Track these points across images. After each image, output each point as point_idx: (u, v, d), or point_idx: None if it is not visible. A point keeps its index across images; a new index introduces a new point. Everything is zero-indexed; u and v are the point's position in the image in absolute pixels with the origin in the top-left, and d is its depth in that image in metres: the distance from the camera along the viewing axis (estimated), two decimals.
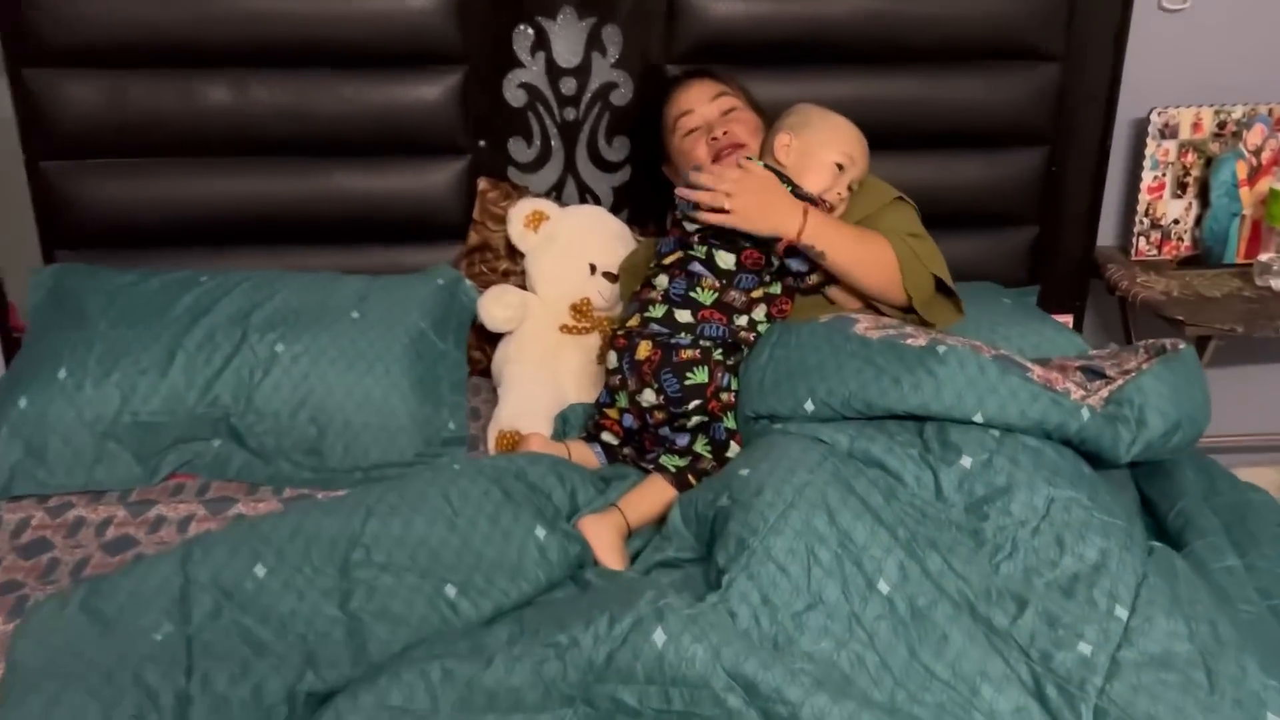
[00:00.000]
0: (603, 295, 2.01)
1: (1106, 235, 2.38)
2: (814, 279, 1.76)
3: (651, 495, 1.59)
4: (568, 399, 1.91)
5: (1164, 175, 2.26)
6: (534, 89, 2.10)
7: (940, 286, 1.80)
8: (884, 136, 1.87)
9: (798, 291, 1.78)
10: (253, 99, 2.02)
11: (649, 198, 2.14)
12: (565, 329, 1.99)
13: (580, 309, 2.00)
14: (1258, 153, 2.22)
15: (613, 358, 1.70)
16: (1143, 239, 2.31)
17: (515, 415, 1.84)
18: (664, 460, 1.63)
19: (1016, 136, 2.20)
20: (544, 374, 1.93)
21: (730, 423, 1.65)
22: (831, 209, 1.79)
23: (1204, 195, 2.27)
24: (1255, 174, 2.22)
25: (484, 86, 2.09)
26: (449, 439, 1.84)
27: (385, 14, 2.00)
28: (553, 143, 2.15)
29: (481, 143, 2.13)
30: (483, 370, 2.06)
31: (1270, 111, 2.22)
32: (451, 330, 1.98)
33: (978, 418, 1.50)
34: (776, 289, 1.75)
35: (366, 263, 2.11)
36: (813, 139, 1.81)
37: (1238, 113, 2.22)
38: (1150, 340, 1.71)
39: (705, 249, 1.71)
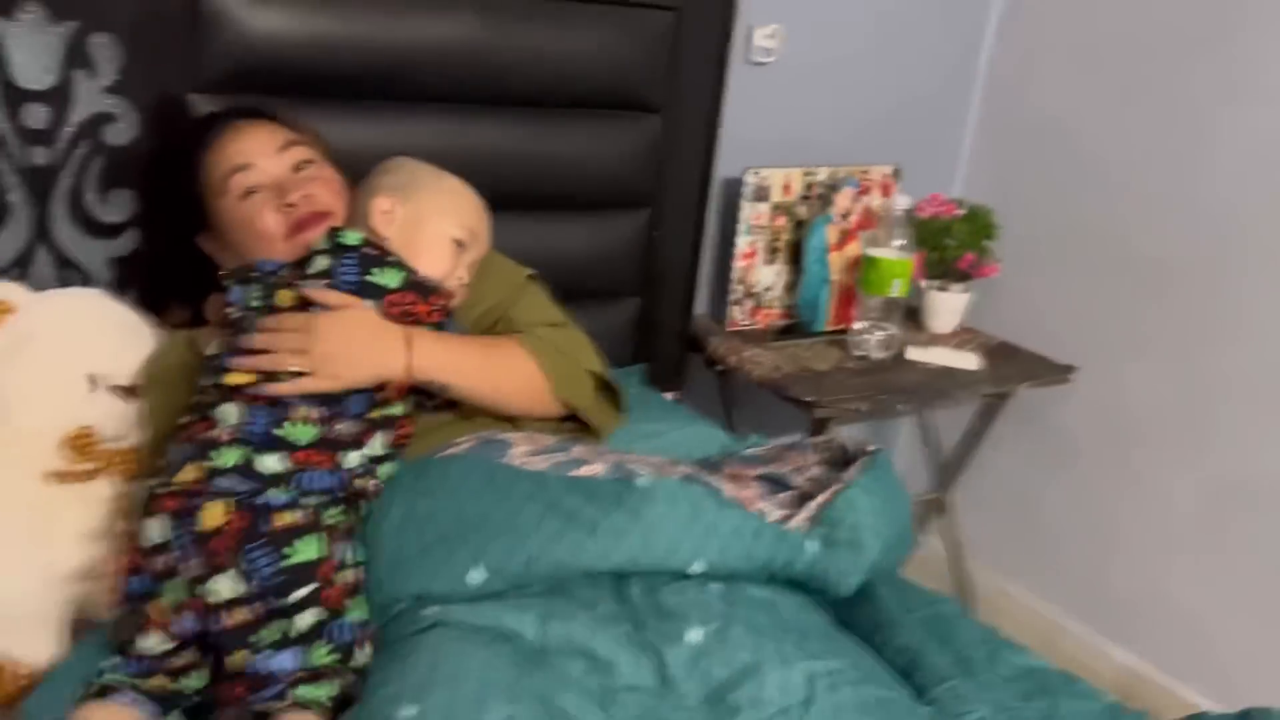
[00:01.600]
0: (113, 420, 1.38)
1: (700, 305, 2.18)
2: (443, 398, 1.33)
3: None
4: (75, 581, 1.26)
5: (757, 241, 2.11)
6: None
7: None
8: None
9: (424, 410, 1.32)
10: None
11: (170, 272, 1.54)
12: (57, 477, 1.33)
13: (79, 445, 1.35)
14: (846, 216, 2.15)
15: (155, 528, 1.11)
16: (737, 308, 2.14)
17: None
18: (302, 692, 1.06)
19: (621, 197, 1.91)
20: (31, 549, 1.27)
21: (360, 612, 1.14)
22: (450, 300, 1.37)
23: (795, 261, 2.16)
24: (844, 239, 2.15)
25: None
26: None
27: None
28: (10, 196, 1.46)
29: None
30: None
31: (864, 174, 2.16)
32: None
33: (697, 567, 1.16)
34: (398, 409, 1.27)
35: None
36: (425, 206, 1.37)
37: (822, 175, 2.13)
38: (824, 438, 1.50)
39: None
